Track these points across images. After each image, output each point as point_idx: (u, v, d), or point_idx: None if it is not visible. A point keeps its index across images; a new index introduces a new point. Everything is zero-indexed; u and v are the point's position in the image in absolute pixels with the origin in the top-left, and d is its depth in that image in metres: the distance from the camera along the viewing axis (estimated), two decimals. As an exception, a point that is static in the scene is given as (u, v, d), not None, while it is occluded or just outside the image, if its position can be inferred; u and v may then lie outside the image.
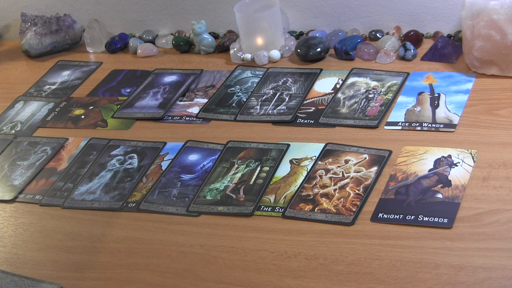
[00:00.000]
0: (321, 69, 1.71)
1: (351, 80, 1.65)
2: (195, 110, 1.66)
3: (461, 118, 1.48)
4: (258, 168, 1.45)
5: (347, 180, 1.38)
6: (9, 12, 2.08)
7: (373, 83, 1.62)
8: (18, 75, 1.94)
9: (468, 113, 1.49)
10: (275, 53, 1.77)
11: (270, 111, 1.61)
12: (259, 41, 1.77)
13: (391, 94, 1.58)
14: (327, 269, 1.22)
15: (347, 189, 1.36)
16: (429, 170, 1.36)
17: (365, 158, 1.42)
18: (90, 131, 1.66)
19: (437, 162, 1.37)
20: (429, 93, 1.56)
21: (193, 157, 1.52)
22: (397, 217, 1.28)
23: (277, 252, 1.27)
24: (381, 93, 1.59)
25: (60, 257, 1.35)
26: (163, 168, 1.50)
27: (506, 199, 1.27)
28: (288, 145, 1.49)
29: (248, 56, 1.78)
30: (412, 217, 1.27)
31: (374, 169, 1.39)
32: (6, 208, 1.49)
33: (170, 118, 1.66)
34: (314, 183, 1.39)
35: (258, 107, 1.63)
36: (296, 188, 1.39)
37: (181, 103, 1.70)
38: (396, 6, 1.76)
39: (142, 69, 1.86)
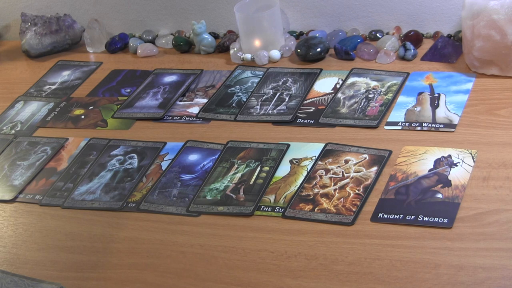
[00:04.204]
0: (321, 69, 1.71)
1: (351, 80, 1.65)
2: (195, 110, 1.66)
3: (461, 118, 1.48)
4: (258, 168, 1.45)
5: (347, 180, 1.38)
6: (9, 12, 2.08)
7: (373, 83, 1.62)
8: (18, 75, 1.94)
9: (468, 113, 1.49)
10: (275, 53, 1.77)
11: (270, 111, 1.61)
12: (257, 43, 1.77)
13: (391, 94, 1.58)
14: (327, 269, 1.22)
15: (347, 189, 1.36)
16: (429, 170, 1.36)
17: (365, 158, 1.42)
18: (90, 131, 1.66)
19: (437, 162, 1.37)
20: (429, 93, 1.56)
21: (193, 157, 1.52)
22: (397, 217, 1.28)
23: (277, 252, 1.27)
24: (381, 93, 1.59)
25: (60, 257, 1.35)
26: (163, 168, 1.50)
27: (506, 199, 1.27)
28: (288, 145, 1.49)
29: (248, 56, 1.78)
30: (412, 217, 1.27)
31: (374, 169, 1.39)
32: (6, 208, 1.49)
33: (170, 118, 1.66)
34: (314, 183, 1.39)
35: (258, 107, 1.63)
36: (296, 188, 1.39)
37: (181, 103, 1.70)
38: (396, 6, 1.76)
39: (142, 69, 1.86)
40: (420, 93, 1.57)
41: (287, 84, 1.68)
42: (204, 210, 1.39)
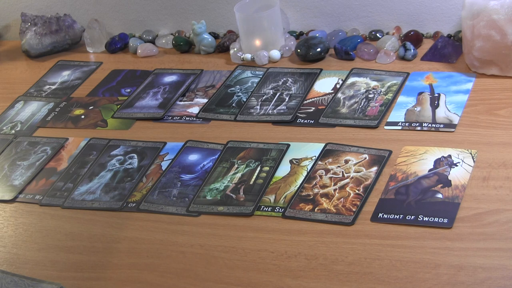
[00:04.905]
0: (321, 69, 1.71)
1: (351, 80, 1.65)
2: (195, 110, 1.66)
3: (461, 118, 1.48)
4: (258, 168, 1.45)
5: (347, 180, 1.38)
6: (9, 12, 2.08)
7: (373, 83, 1.62)
8: (18, 75, 1.94)
9: (468, 113, 1.49)
10: (275, 53, 1.77)
11: (270, 111, 1.61)
12: (257, 42, 1.77)
13: (391, 94, 1.58)
14: (327, 269, 1.22)
15: (347, 189, 1.36)
16: (429, 170, 1.36)
17: (365, 158, 1.42)
18: (90, 131, 1.66)
19: (437, 162, 1.37)
20: (429, 93, 1.56)
21: (193, 157, 1.52)
22: (397, 217, 1.28)
23: (277, 252, 1.27)
24: (381, 93, 1.59)
25: (60, 257, 1.35)
26: (163, 168, 1.50)
27: (506, 199, 1.27)
28: (288, 145, 1.49)
29: (248, 56, 1.78)
30: (412, 217, 1.27)
31: (374, 169, 1.39)
32: (6, 208, 1.49)
33: (170, 118, 1.66)
34: (314, 183, 1.39)
35: (258, 107, 1.63)
36: (296, 188, 1.39)
37: (181, 103, 1.70)
38: (396, 6, 1.76)
39: (142, 69, 1.86)
40: (420, 93, 1.57)
41: (287, 84, 1.68)
42: (204, 210, 1.39)
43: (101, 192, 1.47)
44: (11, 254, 1.37)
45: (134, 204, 1.43)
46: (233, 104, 1.65)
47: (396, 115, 1.52)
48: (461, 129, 1.45)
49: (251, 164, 1.46)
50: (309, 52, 1.73)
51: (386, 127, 1.50)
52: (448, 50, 1.68)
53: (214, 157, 1.50)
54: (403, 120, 1.50)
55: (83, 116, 1.71)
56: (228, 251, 1.29)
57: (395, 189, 1.34)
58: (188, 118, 1.64)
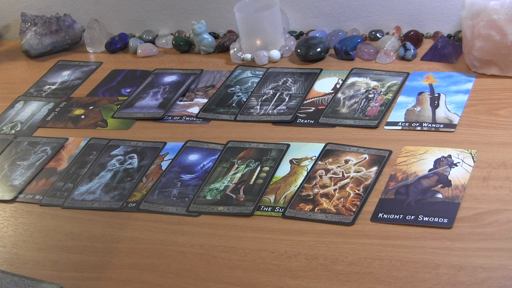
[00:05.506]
0: (321, 69, 1.71)
1: (351, 80, 1.65)
2: (195, 110, 1.66)
3: (461, 118, 1.48)
4: (258, 168, 1.45)
5: (347, 180, 1.38)
6: (9, 12, 2.08)
7: (373, 83, 1.62)
8: (18, 75, 1.94)
9: (468, 113, 1.49)
10: (275, 53, 1.77)
11: (270, 111, 1.61)
12: (258, 42, 1.77)
13: (391, 94, 1.58)
14: (327, 269, 1.22)
15: (347, 189, 1.36)
16: (429, 170, 1.36)
17: (365, 158, 1.42)
18: (90, 131, 1.66)
19: (437, 162, 1.37)
20: (429, 93, 1.56)
21: (193, 157, 1.52)
22: (397, 217, 1.28)
23: (277, 252, 1.27)
24: (381, 93, 1.59)
25: (60, 257, 1.35)
26: (163, 168, 1.50)
27: (506, 199, 1.27)
28: (288, 145, 1.49)
29: (248, 56, 1.78)
30: (412, 217, 1.27)
31: (374, 169, 1.39)
32: (6, 208, 1.49)
33: (170, 118, 1.66)
34: (314, 183, 1.39)
35: (258, 107, 1.63)
36: (296, 188, 1.39)
37: (181, 103, 1.70)
38: (396, 6, 1.76)
39: (142, 69, 1.86)
40: (420, 93, 1.57)
41: (287, 84, 1.68)
42: (204, 210, 1.39)
43: (101, 192, 1.47)
44: (11, 254, 1.37)
45: (134, 204, 1.43)
46: (233, 104, 1.65)
47: (396, 115, 1.52)
48: (461, 129, 1.45)
49: (251, 164, 1.46)
50: (309, 52, 1.73)
51: (386, 127, 1.50)
52: (448, 50, 1.68)
53: (214, 157, 1.50)
54: (403, 120, 1.50)
55: (83, 116, 1.71)
56: (228, 251, 1.29)
57: (395, 189, 1.34)
58: (188, 118, 1.64)
